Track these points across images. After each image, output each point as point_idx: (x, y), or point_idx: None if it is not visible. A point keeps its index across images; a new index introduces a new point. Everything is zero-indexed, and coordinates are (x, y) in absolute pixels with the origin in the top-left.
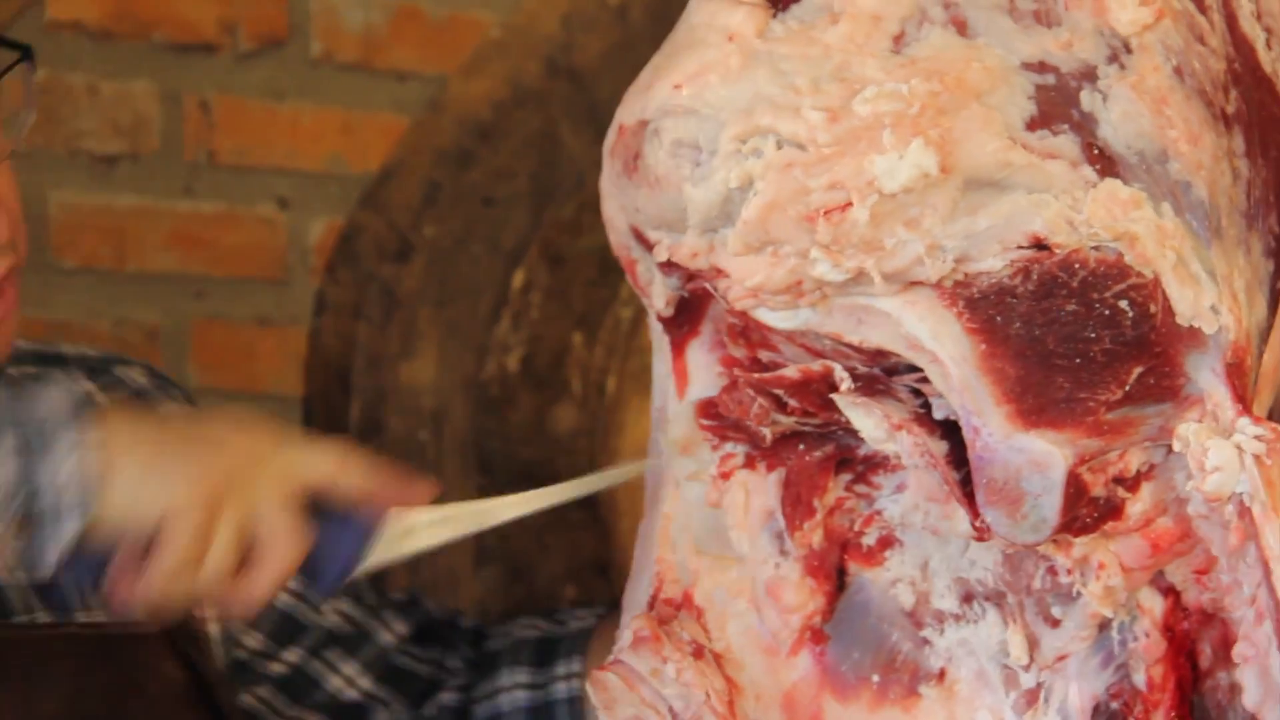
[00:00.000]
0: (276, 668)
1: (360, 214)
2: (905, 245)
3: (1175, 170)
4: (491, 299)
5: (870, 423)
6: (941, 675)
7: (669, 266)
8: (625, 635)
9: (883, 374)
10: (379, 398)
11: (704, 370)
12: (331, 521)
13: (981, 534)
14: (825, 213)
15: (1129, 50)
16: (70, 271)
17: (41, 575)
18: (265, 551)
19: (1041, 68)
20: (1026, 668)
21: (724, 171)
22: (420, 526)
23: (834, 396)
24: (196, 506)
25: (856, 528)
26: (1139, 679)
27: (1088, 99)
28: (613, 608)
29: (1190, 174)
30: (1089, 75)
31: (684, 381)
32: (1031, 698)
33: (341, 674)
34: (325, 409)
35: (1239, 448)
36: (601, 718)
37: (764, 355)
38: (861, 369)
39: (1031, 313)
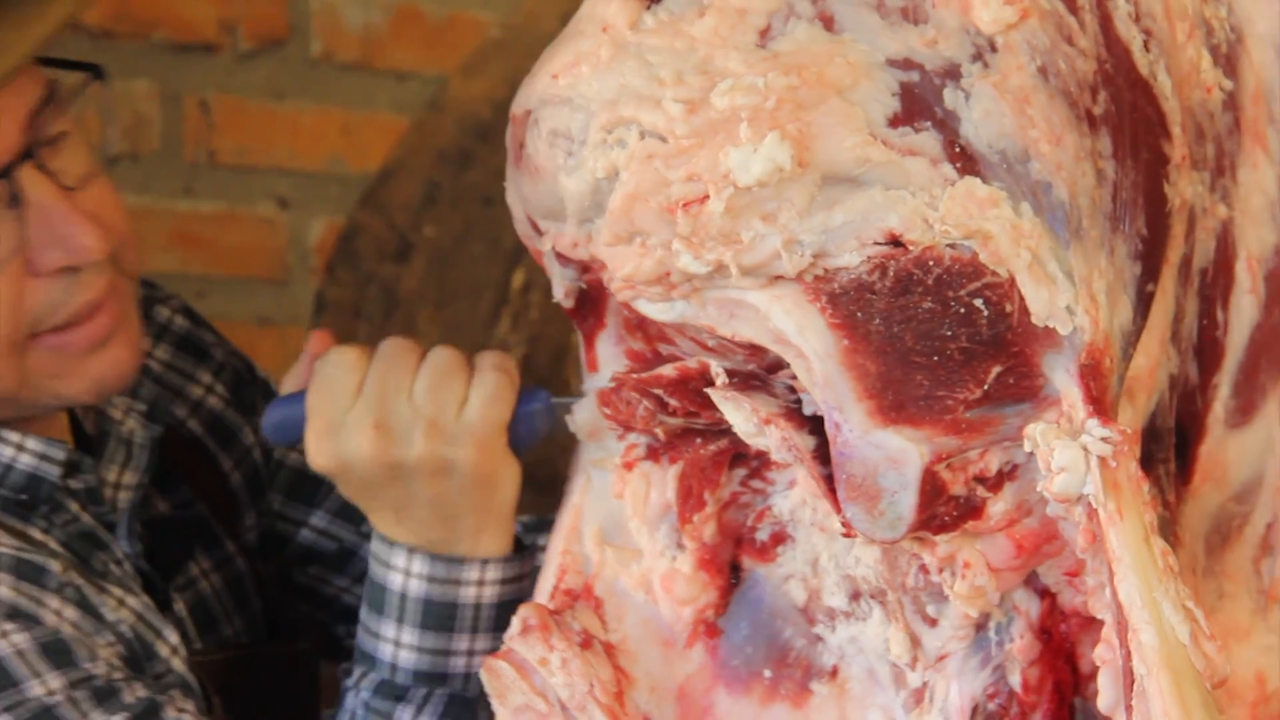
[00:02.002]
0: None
1: (360, 214)
2: (763, 239)
3: (1036, 170)
4: (491, 299)
5: (740, 417)
6: (834, 673)
7: (560, 257)
8: (514, 623)
9: (762, 370)
10: None
11: (612, 362)
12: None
13: (848, 530)
14: (684, 205)
15: (994, 49)
16: None
17: None
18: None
19: (906, 64)
20: (912, 666)
21: (592, 161)
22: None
23: (708, 391)
24: None
25: (750, 523)
26: (1014, 680)
27: (951, 97)
28: None
29: (1051, 174)
30: (953, 73)
31: (594, 372)
32: (918, 697)
33: None
34: None
35: (1085, 449)
36: (495, 705)
37: (664, 349)
38: (743, 365)
39: (890, 309)
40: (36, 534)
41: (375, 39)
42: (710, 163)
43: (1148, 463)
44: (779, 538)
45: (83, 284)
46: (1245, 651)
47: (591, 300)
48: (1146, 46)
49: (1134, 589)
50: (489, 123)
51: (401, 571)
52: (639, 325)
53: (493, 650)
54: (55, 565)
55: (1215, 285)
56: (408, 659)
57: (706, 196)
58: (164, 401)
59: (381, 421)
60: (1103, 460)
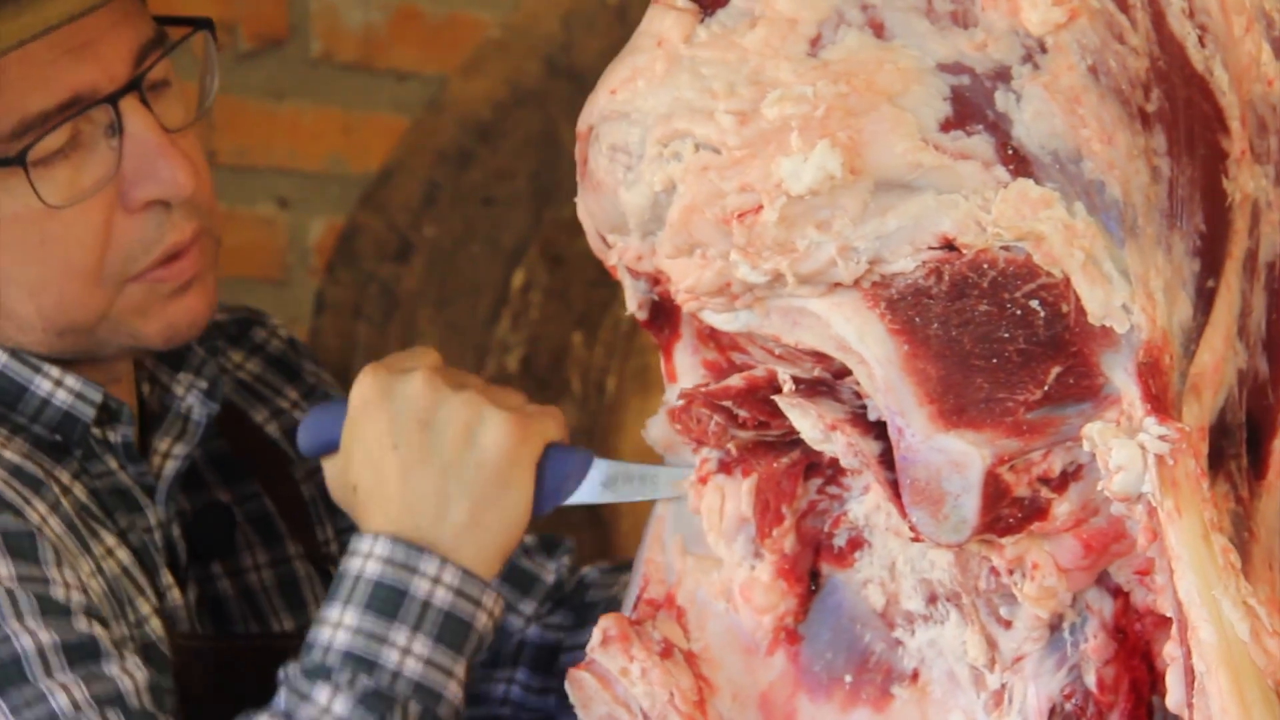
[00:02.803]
0: None
1: (360, 214)
2: (818, 247)
3: (1089, 169)
4: (491, 299)
5: (807, 423)
6: (915, 676)
7: (630, 270)
8: (595, 634)
9: (829, 376)
10: None
11: (689, 373)
12: (556, 453)
13: (916, 534)
14: (739, 215)
15: (1044, 50)
16: None
17: None
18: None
19: (957, 69)
20: (990, 668)
21: (650, 175)
22: (619, 480)
23: (775, 398)
24: None
25: (827, 529)
26: (1090, 680)
27: (1002, 99)
28: None
29: (1103, 173)
30: (1003, 75)
31: (674, 383)
32: (998, 699)
33: None
34: None
35: (1143, 447)
36: (580, 715)
37: (737, 358)
38: (810, 372)
39: (947, 313)
40: (64, 477)
41: (375, 39)
42: (763, 173)
43: (1219, 458)
44: (856, 543)
45: (173, 224)
46: None
47: (665, 312)
48: (1201, 42)
49: (1193, 587)
50: (489, 123)
51: (363, 555)
52: (711, 335)
53: (430, 660)
54: (55, 488)
55: None
56: (343, 639)
57: (760, 206)
58: (243, 399)
59: (442, 370)
60: (1160, 458)
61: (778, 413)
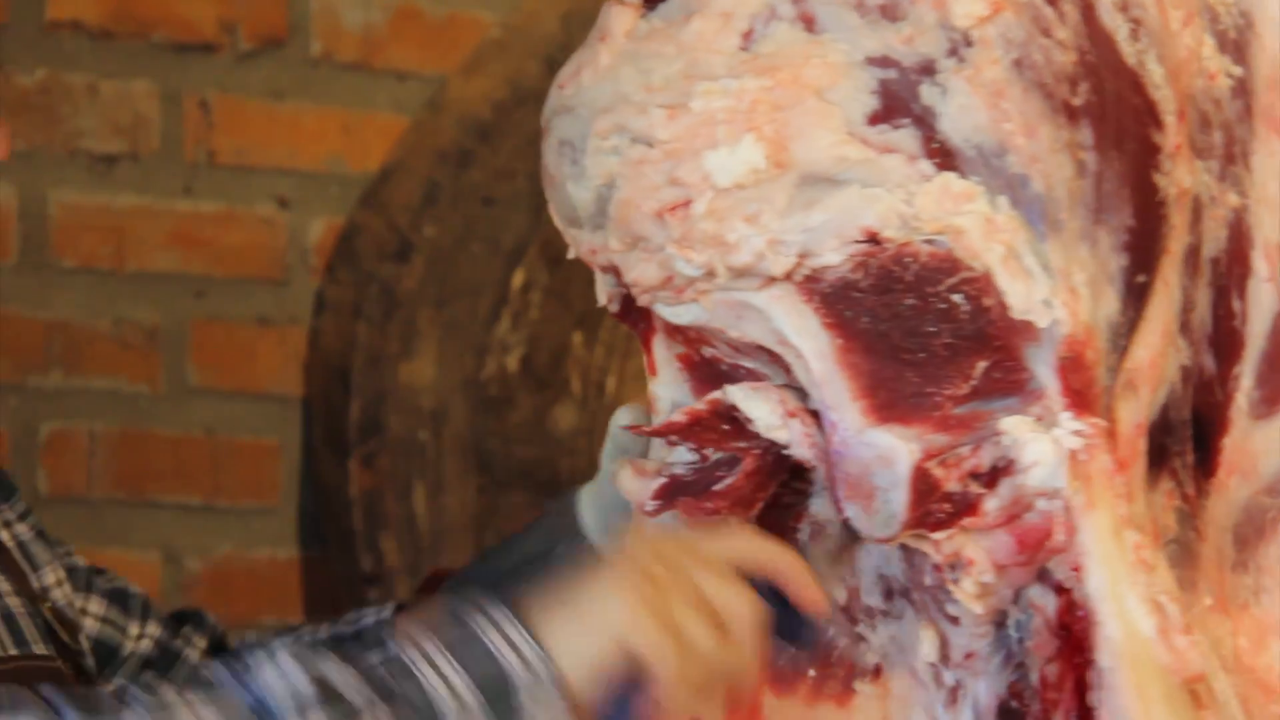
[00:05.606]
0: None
1: (360, 214)
2: (747, 240)
3: (1012, 163)
4: (491, 299)
5: (765, 409)
6: (877, 672)
7: (589, 264)
8: None
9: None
10: (379, 398)
11: (666, 365)
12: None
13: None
14: (671, 209)
15: (969, 43)
16: (70, 271)
17: None
18: (732, 620)
19: (885, 62)
20: (945, 664)
21: (593, 169)
22: None
23: (728, 388)
24: (651, 616)
25: (790, 522)
26: (1034, 677)
27: (928, 93)
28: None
29: (1026, 167)
30: (929, 69)
31: (654, 375)
32: (953, 696)
33: None
34: (325, 409)
35: (1057, 442)
36: None
37: (706, 351)
38: (766, 365)
39: (876, 307)
40: None
41: (375, 39)
42: (692, 166)
43: (1163, 456)
44: (818, 537)
45: None
46: None
47: (636, 304)
48: (1134, 35)
49: (1101, 582)
50: (489, 123)
51: None
52: (677, 329)
53: None
54: None
55: (1230, 275)
56: None
57: (690, 200)
58: None
59: None
60: (1073, 453)
61: (725, 436)
